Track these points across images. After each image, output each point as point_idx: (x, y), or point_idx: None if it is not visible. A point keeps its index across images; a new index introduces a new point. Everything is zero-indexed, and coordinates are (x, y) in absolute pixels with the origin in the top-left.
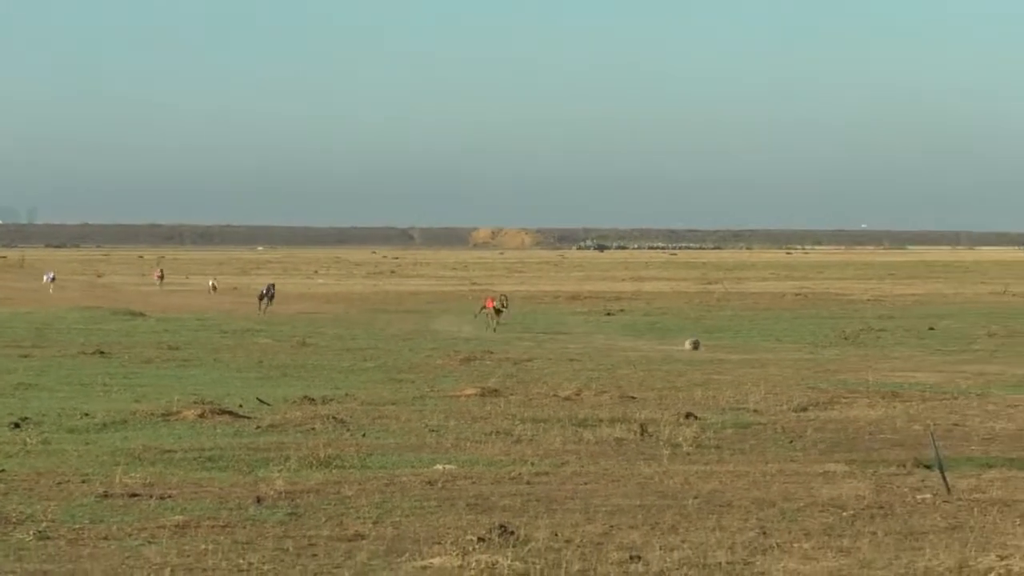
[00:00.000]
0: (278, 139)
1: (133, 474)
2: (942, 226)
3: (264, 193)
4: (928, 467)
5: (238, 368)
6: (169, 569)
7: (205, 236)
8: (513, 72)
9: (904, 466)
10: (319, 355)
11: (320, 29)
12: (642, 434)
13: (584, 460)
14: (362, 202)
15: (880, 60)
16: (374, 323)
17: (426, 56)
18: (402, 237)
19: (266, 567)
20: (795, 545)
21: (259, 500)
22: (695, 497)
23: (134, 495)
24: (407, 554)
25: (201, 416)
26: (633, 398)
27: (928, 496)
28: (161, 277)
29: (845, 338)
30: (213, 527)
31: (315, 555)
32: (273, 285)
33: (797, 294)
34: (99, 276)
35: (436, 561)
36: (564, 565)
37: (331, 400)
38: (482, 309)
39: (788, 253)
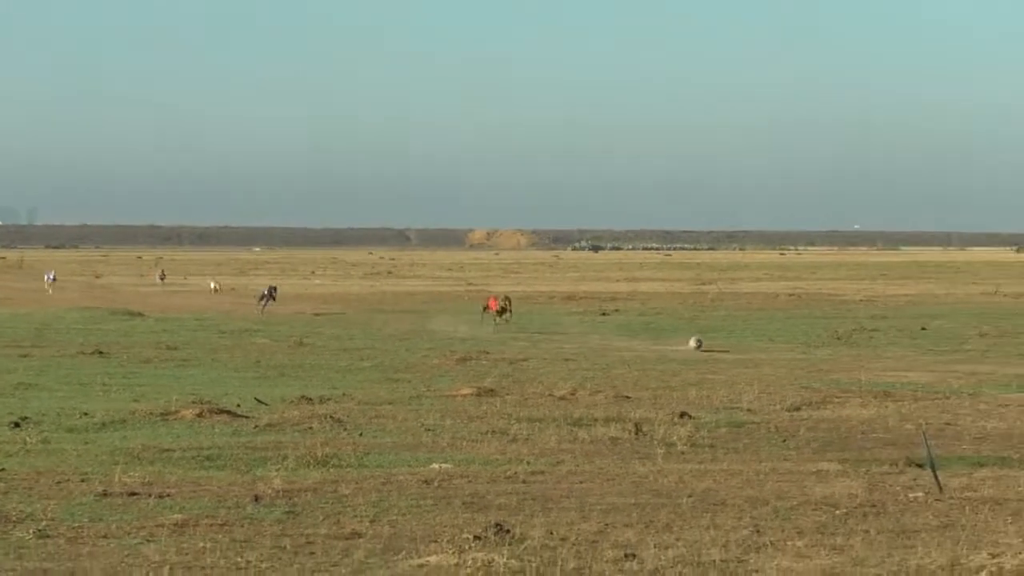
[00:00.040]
0: (276, 141)
1: (132, 473)
2: (934, 227)
3: (262, 195)
4: (920, 466)
5: (236, 368)
6: (168, 567)
7: (203, 237)
8: (508, 74)
9: (896, 465)
10: (316, 355)
11: (319, 30)
12: (637, 433)
13: (579, 459)
14: (359, 203)
15: (872, 63)
16: (371, 323)
17: (423, 58)
18: (398, 238)
19: (264, 565)
20: (788, 543)
21: (257, 499)
22: (689, 496)
23: (133, 494)
24: (404, 552)
25: (199, 415)
26: (628, 397)
27: (920, 494)
28: (163, 277)
29: (838, 338)
30: (211, 525)
31: (312, 553)
32: (275, 288)
33: (790, 294)
34: (97, 277)
35: (432, 559)
36: (559, 563)
37: (328, 400)
38: (485, 310)
39: (781, 254)
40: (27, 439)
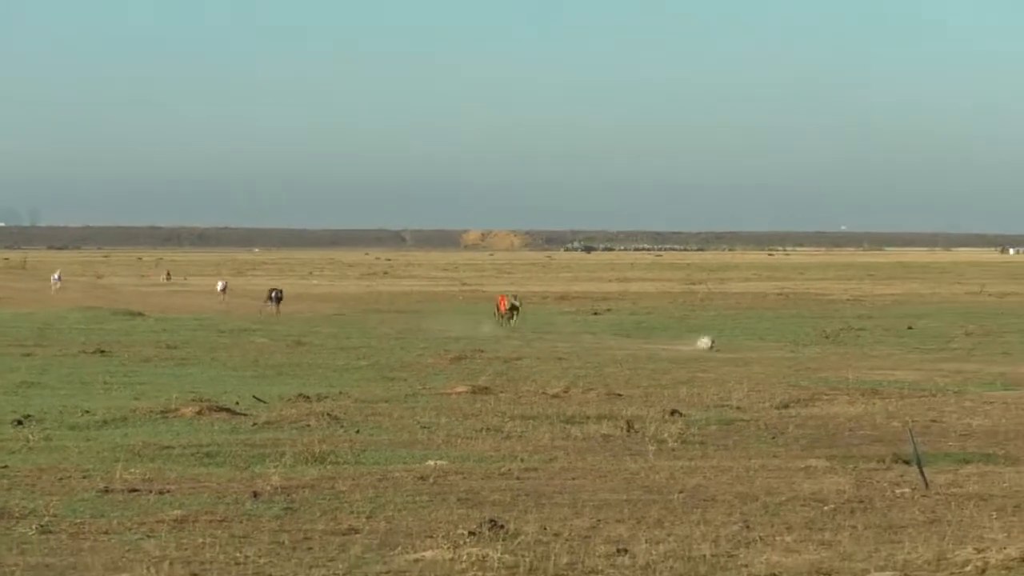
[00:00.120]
0: (275, 143)
1: (133, 470)
2: (919, 228)
3: (260, 196)
4: (907, 462)
5: (235, 367)
6: (168, 562)
7: (203, 238)
8: (504, 77)
9: (883, 461)
10: (314, 354)
11: (318, 31)
12: (628, 430)
13: (572, 456)
14: (355, 205)
15: (863, 66)
16: (367, 323)
17: (421, 59)
18: (394, 239)
19: (262, 560)
20: (777, 538)
21: (255, 495)
22: (680, 492)
23: (134, 490)
24: (400, 547)
25: (199, 413)
26: (620, 395)
27: (907, 491)
28: (168, 277)
29: (826, 337)
30: (211, 521)
31: (310, 548)
32: (281, 290)
33: (779, 294)
34: (99, 277)
35: (428, 554)
36: (552, 558)
37: (325, 398)
38: (497, 309)
39: (770, 254)
40: (30, 436)
